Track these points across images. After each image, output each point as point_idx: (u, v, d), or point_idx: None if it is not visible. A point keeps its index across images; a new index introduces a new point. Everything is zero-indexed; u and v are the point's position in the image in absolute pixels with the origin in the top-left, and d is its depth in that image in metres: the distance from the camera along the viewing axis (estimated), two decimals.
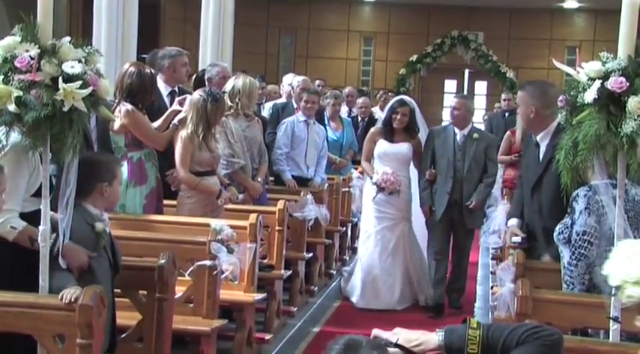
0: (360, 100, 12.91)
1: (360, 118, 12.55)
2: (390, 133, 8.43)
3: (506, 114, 13.35)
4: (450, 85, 21.15)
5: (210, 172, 6.73)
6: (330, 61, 20.69)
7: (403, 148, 8.44)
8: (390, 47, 20.83)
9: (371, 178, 8.37)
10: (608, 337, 3.90)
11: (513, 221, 5.89)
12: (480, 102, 19.88)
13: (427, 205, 8.33)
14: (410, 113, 8.42)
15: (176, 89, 7.64)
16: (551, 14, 19.84)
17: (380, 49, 20.96)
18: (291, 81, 10.54)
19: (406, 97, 8.93)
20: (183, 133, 6.64)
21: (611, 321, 3.77)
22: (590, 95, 3.57)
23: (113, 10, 11.49)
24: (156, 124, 6.63)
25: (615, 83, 3.52)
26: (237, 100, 7.73)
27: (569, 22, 19.71)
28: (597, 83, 3.56)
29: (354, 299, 8.49)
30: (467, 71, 20.88)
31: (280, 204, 7.33)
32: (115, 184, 4.60)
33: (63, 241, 4.21)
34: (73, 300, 3.97)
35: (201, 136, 6.62)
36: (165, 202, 6.84)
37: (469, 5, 19.65)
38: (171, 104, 7.13)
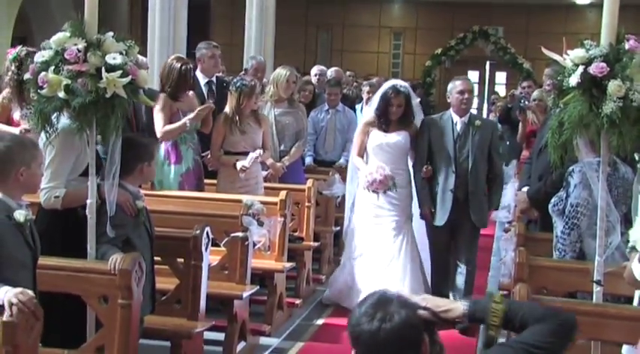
0: None
1: None
2: (385, 123, 6.82)
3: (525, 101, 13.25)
4: (473, 75, 20.97)
5: (243, 153, 6.82)
6: (364, 54, 20.68)
7: (400, 138, 6.80)
8: (418, 41, 20.78)
9: (358, 184, 6.88)
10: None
11: (523, 189, 6.01)
12: (500, 90, 19.81)
13: (427, 206, 6.71)
14: (406, 101, 6.81)
15: (213, 79, 7.74)
16: (566, 10, 19.63)
17: (408, 43, 20.91)
18: (316, 72, 10.52)
19: (400, 83, 7.07)
20: (218, 118, 6.81)
21: (594, 284, 3.79)
22: (574, 79, 3.58)
23: (165, 10, 11.71)
24: (189, 117, 6.57)
25: (597, 68, 3.53)
26: (270, 88, 7.85)
27: (581, 17, 19.49)
28: (581, 68, 3.58)
29: (345, 304, 6.78)
30: (488, 63, 20.78)
31: (309, 182, 7.40)
32: (152, 164, 4.68)
33: (109, 212, 4.33)
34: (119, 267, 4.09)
35: (233, 120, 6.76)
36: (207, 181, 6.96)
37: (490, 2, 19.50)
38: (207, 93, 7.25)
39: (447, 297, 6.13)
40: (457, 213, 6.59)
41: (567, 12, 19.65)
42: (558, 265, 4.58)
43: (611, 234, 3.80)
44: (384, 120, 6.82)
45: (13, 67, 6.03)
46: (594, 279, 3.78)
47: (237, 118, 6.79)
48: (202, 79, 7.59)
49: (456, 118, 6.65)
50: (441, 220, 6.64)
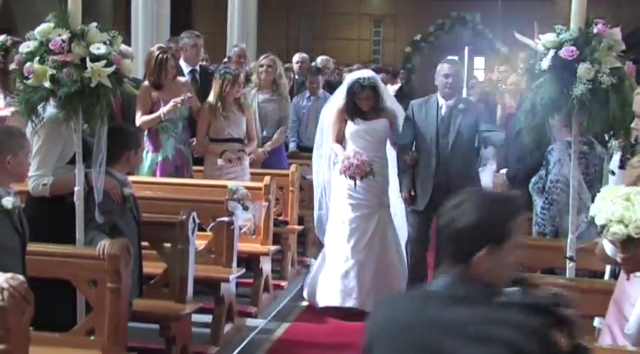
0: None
1: None
2: (357, 115, 6.50)
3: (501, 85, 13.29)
4: None
5: (228, 140, 6.85)
6: (345, 41, 20.65)
7: (379, 124, 6.48)
8: (397, 28, 20.75)
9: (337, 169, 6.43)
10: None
11: (502, 171, 6.08)
12: (479, 75, 19.84)
13: (407, 189, 6.49)
14: (373, 94, 6.46)
15: (197, 68, 7.79)
16: None
17: (388, 30, 20.88)
18: (298, 59, 10.49)
19: (363, 75, 6.60)
20: (203, 106, 6.85)
21: (567, 260, 3.85)
22: (545, 63, 3.63)
23: (147, 0, 11.71)
24: (165, 109, 6.62)
25: (567, 52, 3.58)
26: (253, 76, 7.89)
27: (553, 2, 19.50)
28: (552, 52, 3.63)
29: (318, 298, 6.54)
30: (466, 48, 20.82)
31: (293, 167, 7.44)
32: (139, 152, 4.70)
33: (97, 199, 4.36)
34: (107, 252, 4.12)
35: (217, 107, 6.79)
36: (194, 167, 6.99)
37: None
38: (191, 81, 7.26)
39: (423, 282, 6.00)
40: (438, 198, 5.84)
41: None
42: (534, 243, 4.63)
43: (582, 211, 3.86)
44: (356, 112, 6.49)
45: None
46: (567, 255, 3.84)
47: (221, 105, 6.81)
48: (186, 68, 7.62)
49: (442, 101, 6.36)
50: (421, 204, 6.41)
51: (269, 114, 7.84)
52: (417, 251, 6.58)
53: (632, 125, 3.09)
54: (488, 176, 7.00)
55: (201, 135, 6.89)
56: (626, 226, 2.88)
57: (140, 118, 6.58)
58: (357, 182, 6.31)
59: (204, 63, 8.58)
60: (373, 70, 8.14)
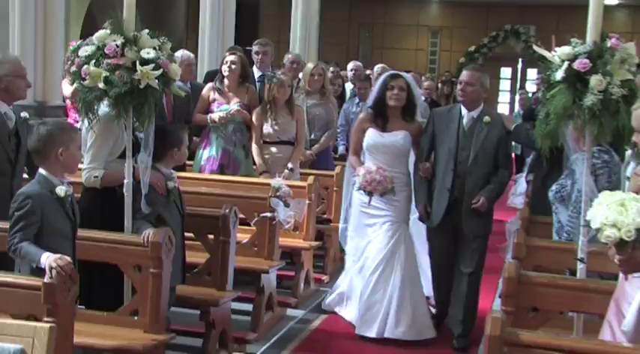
0: (426, 83, 12.99)
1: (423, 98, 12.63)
2: (382, 118, 5.85)
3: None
4: (505, 72, 21.01)
5: (278, 143, 7.01)
6: (403, 51, 20.73)
7: (398, 138, 5.80)
8: (454, 39, 20.76)
9: (353, 183, 5.80)
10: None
11: None
12: (532, 87, 19.68)
13: (422, 203, 5.79)
14: (407, 88, 5.82)
15: (266, 74, 8.02)
16: None
17: (445, 40, 20.91)
18: (352, 67, 10.62)
19: (401, 72, 6.17)
20: (257, 110, 7.03)
21: (578, 262, 3.90)
22: (559, 74, 3.69)
23: (215, 11, 12.02)
24: (213, 115, 6.96)
25: (580, 64, 3.64)
26: (303, 82, 8.04)
27: (608, 17, 19.26)
28: (566, 64, 3.68)
29: (340, 310, 6.23)
30: (520, 60, 20.70)
31: (338, 169, 7.56)
32: (182, 149, 4.85)
33: (143, 191, 4.54)
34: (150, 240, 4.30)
35: (267, 111, 6.95)
36: None
37: (523, 2, 19.40)
38: (260, 86, 7.51)
39: (449, 304, 5.86)
40: (454, 216, 5.67)
41: None
42: (552, 246, 4.68)
43: None
44: (381, 112, 5.86)
45: (72, 57, 6.30)
46: (578, 257, 3.88)
47: (270, 109, 6.96)
48: (256, 74, 7.86)
49: (464, 111, 5.70)
50: (435, 220, 5.75)
51: (316, 118, 7.97)
52: (439, 272, 5.97)
53: (633, 139, 3.14)
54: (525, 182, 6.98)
55: (255, 137, 7.04)
56: (619, 229, 2.93)
57: (193, 117, 6.93)
58: (373, 199, 5.68)
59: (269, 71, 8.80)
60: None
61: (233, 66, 6.90)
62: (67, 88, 7.27)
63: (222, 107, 6.94)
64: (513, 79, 20.98)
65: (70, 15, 17.28)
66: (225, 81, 6.97)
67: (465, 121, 5.69)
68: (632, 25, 18.90)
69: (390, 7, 20.98)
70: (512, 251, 4.64)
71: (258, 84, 7.68)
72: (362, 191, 5.65)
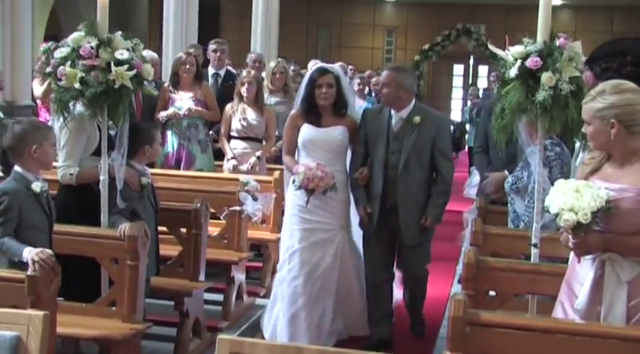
0: (373, 79, 13.09)
1: (374, 94, 12.79)
2: (314, 114, 5.26)
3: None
4: (458, 68, 21.30)
5: (244, 138, 7.07)
6: (359, 50, 20.87)
7: (336, 132, 5.24)
8: (408, 38, 20.95)
9: (293, 181, 5.09)
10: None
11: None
12: (483, 83, 19.97)
13: (362, 205, 5.23)
14: (336, 83, 5.25)
15: (220, 72, 8.10)
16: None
17: (400, 39, 21.10)
18: (312, 65, 10.68)
19: (325, 64, 5.72)
20: (225, 107, 7.11)
21: (532, 247, 4.03)
22: (513, 71, 3.82)
23: (178, 10, 12.01)
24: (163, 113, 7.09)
25: (532, 62, 3.76)
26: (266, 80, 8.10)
27: (554, 17, 19.60)
28: (519, 62, 3.81)
29: (266, 335, 5.31)
30: (471, 57, 20.98)
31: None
32: (154, 146, 4.89)
33: (118, 187, 4.58)
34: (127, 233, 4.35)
35: (233, 108, 7.03)
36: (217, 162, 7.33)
37: (473, 2, 19.65)
38: (213, 84, 7.59)
39: (385, 320, 5.35)
40: (389, 223, 5.22)
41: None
42: (508, 233, 4.80)
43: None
44: (313, 111, 5.27)
45: (43, 58, 6.29)
46: (532, 242, 4.02)
47: (239, 104, 7.05)
48: (211, 71, 7.99)
49: (393, 112, 5.21)
50: (369, 229, 5.27)
51: (280, 115, 8.03)
52: (374, 290, 5.35)
53: (582, 130, 3.27)
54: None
55: (223, 132, 7.13)
56: (576, 213, 3.07)
57: (156, 114, 7.04)
58: (310, 200, 5.07)
59: (229, 68, 8.86)
60: None
61: (188, 65, 7.03)
62: (38, 88, 7.26)
63: (176, 104, 7.04)
64: (465, 75, 21.27)
65: (34, 16, 17.16)
66: (181, 79, 7.05)
67: (393, 122, 5.20)
68: (575, 25, 19.28)
69: (347, 7, 21.11)
70: (470, 239, 4.75)
71: (211, 81, 7.82)
72: (303, 190, 5.00)
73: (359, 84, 11.04)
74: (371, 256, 5.34)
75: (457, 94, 21.62)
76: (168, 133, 7.03)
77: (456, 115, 19.52)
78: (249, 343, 2.11)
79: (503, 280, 3.94)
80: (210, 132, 7.34)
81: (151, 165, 6.15)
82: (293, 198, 5.24)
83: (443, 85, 20.78)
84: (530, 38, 3.92)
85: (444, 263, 6.13)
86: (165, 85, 7.20)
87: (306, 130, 5.28)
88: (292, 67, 11.14)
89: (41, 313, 2.24)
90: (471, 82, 20.92)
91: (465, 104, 19.20)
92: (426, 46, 19.93)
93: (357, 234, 5.44)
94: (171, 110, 7.01)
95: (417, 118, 5.14)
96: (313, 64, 10.60)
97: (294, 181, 5.08)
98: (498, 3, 19.40)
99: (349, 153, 5.40)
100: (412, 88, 5.24)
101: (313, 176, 4.94)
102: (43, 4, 18.05)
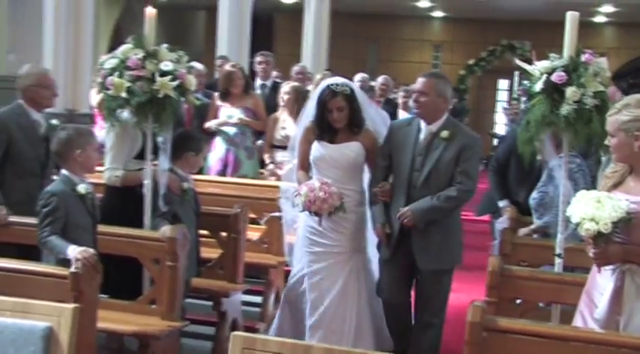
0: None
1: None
2: (327, 131, 4.77)
3: None
4: (503, 83, 21.08)
5: (285, 148, 7.13)
6: (407, 64, 20.78)
7: (349, 149, 4.74)
8: (454, 53, 20.84)
9: (294, 204, 4.65)
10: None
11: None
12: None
13: (380, 223, 4.64)
14: (348, 103, 4.68)
15: (267, 83, 8.28)
16: (585, 27, 19.48)
17: (446, 54, 20.99)
18: (359, 79, 10.71)
19: (338, 81, 4.81)
20: (269, 117, 7.22)
21: (556, 257, 4.00)
22: (539, 85, 3.81)
23: (233, 25, 12.23)
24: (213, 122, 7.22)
25: (557, 77, 3.75)
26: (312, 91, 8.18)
27: (597, 33, 19.31)
28: (544, 77, 3.80)
29: None
30: (516, 73, 20.74)
31: None
32: (199, 156, 4.98)
33: (161, 191, 4.67)
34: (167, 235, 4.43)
35: (276, 118, 7.13)
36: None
37: (519, 19, 19.47)
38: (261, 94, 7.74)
39: (402, 332, 4.78)
40: (405, 247, 4.61)
41: (586, 29, 19.49)
42: (536, 243, 4.78)
43: None
44: (327, 128, 4.77)
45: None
46: (556, 252, 3.99)
47: (281, 116, 7.17)
48: (258, 82, 8.15)
49: (423, 125, 4.61)
50: (385, 253, 4.69)
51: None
52: (393, 316, 4.81)
53: (606, 142, 3.25)
54: None
55: (266, 142, 7.25)
56: (597, 223, 3.06)
57: (205, 123, 7.17)
58: (324, 220, 4.60)
59: (278, 80, 9.00)
60: None
61: (235, 78, 7.14)
62: (95, 97, 7.43)
63: (226, 113, 7.14)
64: (510, 90, 21.06)
65: (99, 30, 17.63)
66: (231, 89, 7.14)
67: (422, 136, 4.59)
68: (619, 41, 19.01)
69: (396, 23, 21.09)
70: (499, 248, 4.73)
71: (259, 92, 7.99)
72: (308, 213, 4.56)
73: (403, 97, 11.04)
74: (386, 281, 4.72)
75: (501, 108, 21.40)
76: (218, 138, 7.15)
77: (500, 129, 19.34)
78: (261, 340, 2.16)
79: (526, 288, 3.92)
80: (260, 141, 7.42)
81: (199, 171, 6.27)
82: (304, 218, 4.74)
83: (488, 99, 20.63)
84: (558, 53, 3.90)
85: (476, 273, 6.08)
86: (216, 95, 7.31)
87: (316, 147, 4.80)
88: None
89: (71, 306, 2.32)
90: (514, 96, 20.71)
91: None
92: (472, 61, 19.80)
93: (373, 253, 4.89)
94: (221, 119, 7.11)
95: (445, 133, 4.53)
96: (360, 77, 10.69)
97: (295, 204, 4.60)
98: (545, 19, 19.14)
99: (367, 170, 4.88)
100: (450, 98, 4.70)
101: (315, 198, 4.45)
102: (108, 18, 18.53)
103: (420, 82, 4.62)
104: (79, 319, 3.46)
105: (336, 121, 4.72)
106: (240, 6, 12.48)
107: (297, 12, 17.22)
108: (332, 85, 4.75)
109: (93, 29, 10.08)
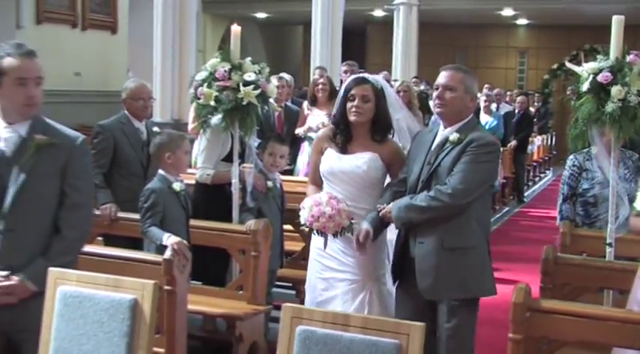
0: (519, 98, 13.13)
1: (516, 112, 12.72)
2: (343, 137, 3.89)
3: None
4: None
5: None
6: (494, 70, 20.61)
7: (359, 161, 3.83)
8: (540, 59, 20.52)
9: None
10: None
11: None
12: None
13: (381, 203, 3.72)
14: (375, 96, 3.82)
15: None
16: None
17: (531, 60, 20.70)
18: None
19: (369, 75, 4.02)
20: None
21: (607, 246, 4.03)
22: (585, 85, 3.85)
23: (324, 38, 12.47)
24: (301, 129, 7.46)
25: (602, 77, 3.78)
26: None
27: None
28: (591, 77, 3.84)
29: None
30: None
31: None
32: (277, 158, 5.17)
33: (248, 188, 4.93)
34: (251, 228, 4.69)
35: None
36: None
37: (602, 24, 18.92)
38: None
39: None
40: (408, 268, 3.64)
41: None
42: (594, 235, 4.74)
43: (620, 207, 4.02)
44: (343, 134, 3.89)
45: None
46: (606, 242, 4.01)
47: None
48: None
49: (441, 129, 3.67)
50: (392, 274, 3.80)
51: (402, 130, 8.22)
52: None
53: None
54: None
55: None
56: None
57: (296, 129, 7.42)
58: (329, 241, 3.79)
59: None
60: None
61: (321, 85, 7.37)
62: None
63: (314, 120, 7.36)
64: None
65: (207, 47, 18.33)
66: (317, 97, 7.37)
67: (437, 141, 3.65)
68: None
69: (482, 31, 20.94)
70: (560, 240, 4.76)
71: None
72: (312, 231, 3.80)
73: (485, 101, 11.05)
74: (399, 312, 3.70)
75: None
76: (305, 143, 7.39)
77: None
78: (307, 310, 2.35)
79: (578, 275, 3.96)
80: None
81: (290, 172, 6.54)
82: (313, 238, 3.95)
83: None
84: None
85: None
86: (305, 103, 7.57)
87: (326, 157, 3.92)
88: (422, 87, 11.33)
89: (152, 282, 2.58)
90: None
91: None
92: (555, 66, 19.43)
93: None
94: (307, 126, 7.37)
95: (454, 135, 3.57)
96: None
97: (297, 220, 3.88)
98: (629, 24, 18.56)
99: None
100: (476, 97, 3.78)
101: (320, 214, 3.67)
102: (215, 35, 19.22)
103: (444, 76, 3.66)
104: (170, 299, 3.79)
105: (356, 112, 3.78)
106: (331, 20, 12.74)
107: (387, 24, 17.37)
108: (361, 75, 4.04)
109: (195, 46, 10.57)
